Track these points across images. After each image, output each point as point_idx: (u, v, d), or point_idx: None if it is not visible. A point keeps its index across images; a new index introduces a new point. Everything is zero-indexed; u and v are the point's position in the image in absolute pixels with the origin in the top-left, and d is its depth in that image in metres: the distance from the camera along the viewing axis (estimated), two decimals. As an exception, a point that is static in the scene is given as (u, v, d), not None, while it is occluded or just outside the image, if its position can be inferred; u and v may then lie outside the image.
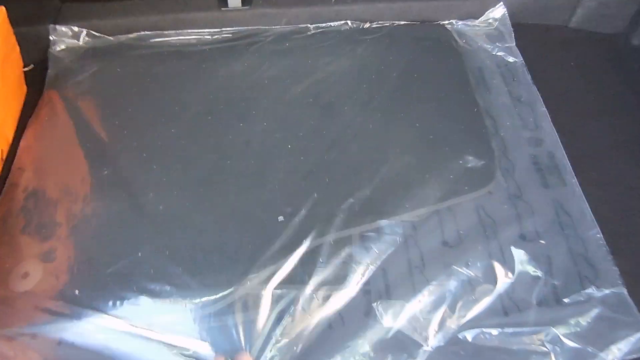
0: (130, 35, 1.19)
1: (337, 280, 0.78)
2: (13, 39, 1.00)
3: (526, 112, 1.02)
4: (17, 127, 1.01)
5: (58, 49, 1.16)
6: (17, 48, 1.02)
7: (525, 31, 1.15)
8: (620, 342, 0.70)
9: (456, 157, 0.93)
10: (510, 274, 0.78)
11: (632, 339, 0.71)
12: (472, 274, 0.78)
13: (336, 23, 1.17)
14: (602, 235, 0.82)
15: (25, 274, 0.83)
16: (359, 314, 0.74)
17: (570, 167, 0.92)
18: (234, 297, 0.76)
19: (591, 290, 0.76)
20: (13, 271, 0.82)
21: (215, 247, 0.82)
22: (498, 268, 0.79)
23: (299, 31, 1.16)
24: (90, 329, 0.74)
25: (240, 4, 1.17)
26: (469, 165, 0.92)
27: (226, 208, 0.87)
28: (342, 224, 0.84)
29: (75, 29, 1.17)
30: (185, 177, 0.92)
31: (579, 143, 0.96)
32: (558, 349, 0.70)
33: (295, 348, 0.72)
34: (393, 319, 0.74)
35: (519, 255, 0.80)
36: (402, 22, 1.17)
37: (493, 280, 0.77)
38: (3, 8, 0.97)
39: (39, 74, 1.10)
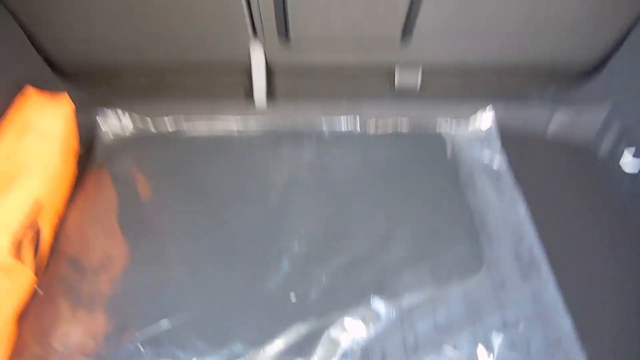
0: (167, 123, 1.36)
1: (341, 355, 0.89)
2: (73, 124, 1.17)
3: (510, 211, 1.17)
4: (67, 201, 1.15)
5: (104, 131, 1.33)
6: (75, 132, 1.19)
7: (509, 138, 1.33)
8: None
9: (448, 250, 1.07)
10: (492, 356, 0.90)
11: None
12: (459, 355, 0.90)
13: (346, 123, 1.35)
14: (573, 325, 0.94)
15: (65, 334, 0.94)
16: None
17: (547, 263, 1.06)
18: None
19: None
20: (53, 332, 0.94)
21: (236, 320, 0.95)
22: (481, 351, 0.90)
23: (315, 133, 1.34)
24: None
25: (265, 105, 1.36)
26: (458, 258, 1.06)
27: (247, 285, 1.00)
28: (346, 304, 0.96)
29: (121, 114, 1.34)
30: (211, 252, 1.06)
31: (556, 238, 1.10)
32: None
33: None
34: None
35: (500, 340, 0.92)
36: (405, 130, 1.35)
37: (477, 361, 0.89)
38: (66, 95, 1.14)
39: (86, 153, 1.26)
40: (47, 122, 1.09)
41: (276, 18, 1.23)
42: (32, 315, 0.96)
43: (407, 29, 1.27)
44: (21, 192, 0.96)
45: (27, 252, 0.96)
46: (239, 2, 1.17)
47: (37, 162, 1.02)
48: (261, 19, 1.23)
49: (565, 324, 0.96)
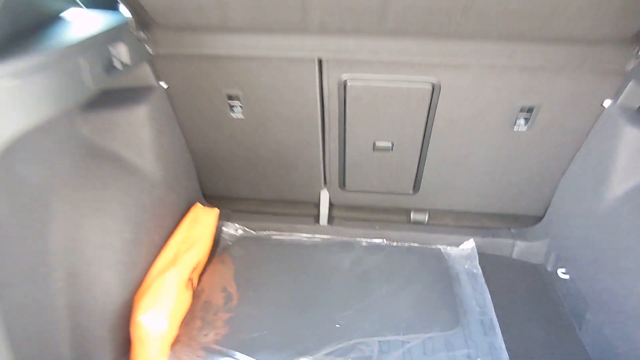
0: (263, 232, 2.17)
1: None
2: (215, 226, 1.99)
3: (479, 297, 1.83)
4: (203, 269, 1.92)
5: (225, 232, 2.14)
6: (215, 231, 2.00)
7: (485, 256, 2.04)
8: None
9: (438, 314, 1.72)
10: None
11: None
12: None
13: (377, 240, 2.12)
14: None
15: (198, 334, 1.63)
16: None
17: (499, 327, 1.68)
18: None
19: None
20: (194, 331, 1.63)
21: (296, 340, 1.62)
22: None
23: (357, 244, 2.10)
24: None
25: (327, 223, 2.17)
26: (443, 320, 1.70)
27: (306, 323, 1.68)
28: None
29: (236, 225, 2.17)
30: (287, 307, 1.75)
31: (508, 314, 1.73)
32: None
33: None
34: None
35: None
36: (416, 244, 2.10)
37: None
38: (216, 210, 1.99)
39: (214, 246, 2.06)
40: (206, 221, 1.92)
41: (338, 176, 2.09)
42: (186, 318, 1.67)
43: (416, 187, 2.10)
44: (193, 254, 1.75)
45: (190, 285, 1.71)
46: (319, 166, 2.05)
47: (200, 241, 1.83)
48: (330, 175, 2.10)
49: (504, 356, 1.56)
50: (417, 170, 2.02)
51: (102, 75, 1.36)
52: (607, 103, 1.67)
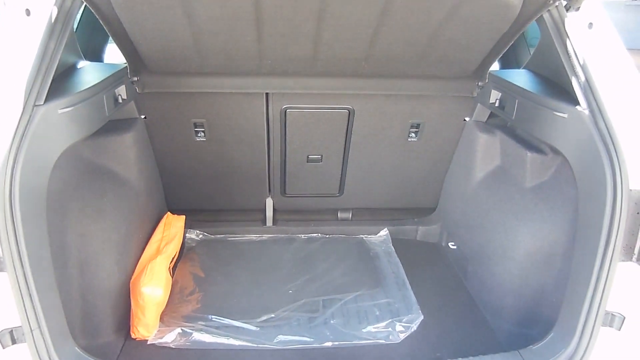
0: (219, 236, 2.65)
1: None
2: (183, 229, 2.46)
3: (394, 268, 2.44)
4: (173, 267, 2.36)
5: (188, 238, 2.60)
6: (183, 233, 2.46)
7: (397, 240, 2.67)
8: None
9: (360, 278, 2.31)
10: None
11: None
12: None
13: (314, 234, 2.68)
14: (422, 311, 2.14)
15: (175, 311, 2.08)
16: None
17: (409, 284, 2.29)
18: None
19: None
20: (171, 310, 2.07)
21: (258, 306, 2.12)
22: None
23: (297, 238, 2.65)
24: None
25: (272, 225, 2.71)
26: (365, 281, 2.29)
27: (265, 293, 2.19)
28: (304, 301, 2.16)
29: (197, 232, 2.64)
30: (247, 292, 2.25)
31: (416, 274, 2.35)
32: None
33: None
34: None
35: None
36: (343, 235, 2.70)
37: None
38: (184, 217, 2.46)
39: (181, 248, 2.51)
40: (177, 224, 2.39)
41: (280, 184, 2.65)
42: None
43: (340, 190, 2.72)
44: (172, 247, 2.20)
45: (170, 273, 2.15)
46: (265, 178, 2.59)
47: (174, 238, 2.28)
48: (273, 185, 2.65)
49: (414, 303, 2.16)
50: (341, 176, 2.64)
51: (112, 107, 1.84)
52: (467, 119, 2.41)
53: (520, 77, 2.13)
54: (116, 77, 1.91)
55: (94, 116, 1.69)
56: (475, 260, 2.26)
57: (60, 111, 1.47)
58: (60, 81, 1.65)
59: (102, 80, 1.76)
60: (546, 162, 1.97)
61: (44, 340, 1.38)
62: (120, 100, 1.93)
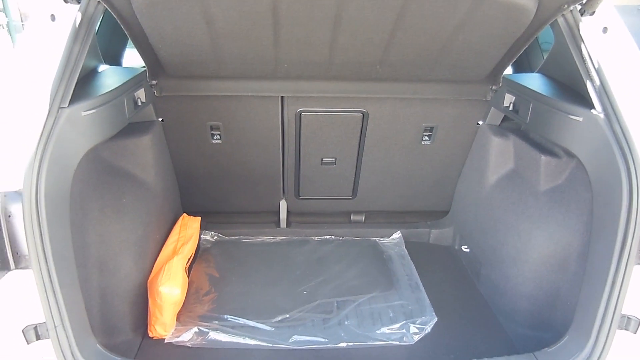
0: (234, 237, 2.69)
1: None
2: (199, 229, 2.49)
3: (407, 270, 2.45)
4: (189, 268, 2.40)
5: (203, 239, 2.64)
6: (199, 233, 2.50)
7: (409, 243, 2.68)
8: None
9: (373, 281, 2.32)
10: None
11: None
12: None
13: (327, 237, 2.71)
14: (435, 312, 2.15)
15: (191, 311, 2.11)
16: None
17: (423, 287, 2.30)
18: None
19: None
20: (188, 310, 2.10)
21: (273, 309, 2.15)
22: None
23: (311, 240, 2.67)
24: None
25: (286, 227, 2.73)
26: (379, 284, 2.30)
27: (280, 295, 2.22)
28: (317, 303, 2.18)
29: (212, 233, 2.67)
30: (262, 291, 2.28)
31: (430, 280, 2.36)
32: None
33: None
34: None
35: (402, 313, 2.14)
36: (357, 238, 2.71)
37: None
38: (199, 219, 2.49)
39: (196, 250, 2.54)
40: (192, 225, 2.42)
41: (294, 187, 2.68)
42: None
43: (354, 193, 2.73)
44: (188, 247, 2.24)
45: (186, 273, 2.18)
46: (279, 180, 2.62)
47: (190, 239, 2.32)
48: (287, 187, 2.68)
49: (428, 305, 2.17)
50: (355, 179, 2.66)
51: (132, 110, 1.89)
52: (480, 122, 2.42)
53: (534, 81, 2.13)
54: (136, 81, 1.95)
55: (115, 118, 1.73)
56: (488, 264, 2.26)
57: (84, 113, 1.51)
58: (83, 84, 1.69)
59: (123, 84, 1.80)
60: (560, 166, 1.98)
61: (67, 337, 1.42)
62: (140, 103, 1.98)
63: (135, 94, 1.94)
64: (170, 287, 1.94)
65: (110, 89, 1.70)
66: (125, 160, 2.12)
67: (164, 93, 2.20)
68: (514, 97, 2.13)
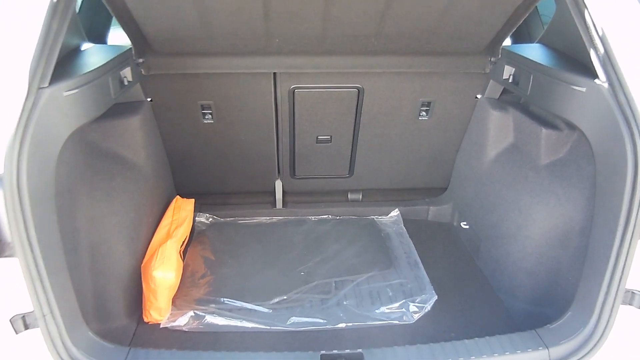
0: (229, 219, 2.64)
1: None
2: (192, 212, 2.44)
3: (405, 247, 2.42)
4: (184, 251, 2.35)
5: (198, 221, 2.59)
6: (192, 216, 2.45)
7: (408, 221, 2.64)
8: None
9: (373, 259, 2.29)
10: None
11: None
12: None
13: (324, 216, 2.66)
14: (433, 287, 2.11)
15: (187, 295, 2.07)
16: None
17: (422, 265, 2.27)
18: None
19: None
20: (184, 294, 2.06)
21: (270, 290, 2.11)
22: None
23: (308, 220, 2.63)
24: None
25: (282, 207, 2.68)
26: (379, 262, 2.27)
27: (281, 276, 2.18)
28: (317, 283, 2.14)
29: (206, 215, 2.62)
30: (260, 271, 2.23)
31: (428, 254, 2.33)
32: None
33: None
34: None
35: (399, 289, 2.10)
36: (354, 217, 2.67)
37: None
38: (193, 200, 2.44)
39: (191, 232, 2.49)
40: (186, 207, 2.37)
41: (289, 166, 2.62)
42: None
43: (350, 171, 2.68)
44: (182, 230, 2.19)
45: (181, 256, 2.14)
46: (273, 160, 2.56)
47: (184, 222, 2.27)
48: (282, 167, 2.62)
49: (427, 283, 2.14)
50: (351, 157, 2.60)
51: (118, 90, 1.81)
52: (479, 96, 2.35)
53: (535, 52, 2.06)
54: (121, 59, 1.87)
55: (99, 99, 1.66)
56: (488, 240, 2.23)
57: (65, 93, 1.44)
58: (64, 63, 1.61)
59: (107, 62, 1.72)
60: (561, 139, 1.92)
61: (56, 325, 1.38)
62: (126, 83, 1.90)
63: (121, 72, 1.86)
64: (164, 272, 1.90)
65: (93, 68, 1.62)
66: (114, 142, 2.05)
67: (152, 72, 2.12)
68: (514, 69, 2.06)
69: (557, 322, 1.60)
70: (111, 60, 1.76)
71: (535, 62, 1.90)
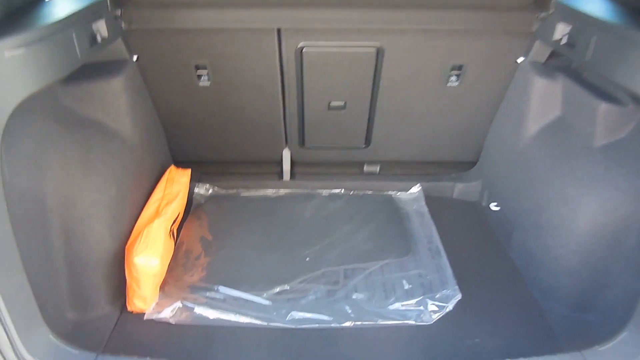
0: (231, 190, 2.38)
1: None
2: (188, 184, 2.19)
3: (426, 230, 2.14)
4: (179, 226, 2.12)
5: (197, 193, 2.34)
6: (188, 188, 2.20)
7: (430, 198, 2.35)
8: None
9: (391, 244, 2.02)
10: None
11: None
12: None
13: (336, 190, 2.38)
14: (455, 279, 1.84)
15: (179, 281, 1.84)
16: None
17: (445, 253, 1.99)
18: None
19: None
20: (175, 277, 1.84)
21: (268, 275, 1.87)
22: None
23: (317, 194, 2.36)
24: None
25: (289, 179, 2.41)
26: (396, 248, 2.00)
27: (279, 262, 1.93)
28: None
29: (206, 186, 2.37)
30: (259, 252, 1.99)
31: (453, 240, 2.05)
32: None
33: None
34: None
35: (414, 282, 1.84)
36: (370, 192, 2.39)
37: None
38: (189, 170, 2.18)
39: (188, 205, 2.25)
40: (180, 180, 2.12)
41: (298, 134, 2.33)
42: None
43: (367, 141, 2.37)
44: (173, 207, 1.94)
45: (172, 235, 1.91)
46: (280, 127, 2.27)
47: (177, 197, 2.02)
48: (290, 135, 2.33)
49: (450, 276, 1.87)
50: (368, 125, 2.29)
51: (87, 48, 1.52)
52: (520, 60, 1.99)
53: (597, 6, 1.68)
54: (91, 11, 1.56)
55: (59, 59, 1.37)
56: (522, 228, 1.93)
57: (8, 53, 1.16)
58: (14, 18, 1.32)
59: (68, 15, 1.42)
60: (624, 116, 1.58)
61: (5, 330, 1.17)
62: (100, 40, 1.61)
63: (92, 27, 1.56)
64: (147, 258, 1.67)
65: (48, 22, 1.33)
66: (92, 108, 1.79)
67: (134, 26, 1.81)
68: (570, 27, 1.69)
69: (607, 343, 1.32)
70: (75, 12, 1.45)
71: (600, 19, 1.53)
